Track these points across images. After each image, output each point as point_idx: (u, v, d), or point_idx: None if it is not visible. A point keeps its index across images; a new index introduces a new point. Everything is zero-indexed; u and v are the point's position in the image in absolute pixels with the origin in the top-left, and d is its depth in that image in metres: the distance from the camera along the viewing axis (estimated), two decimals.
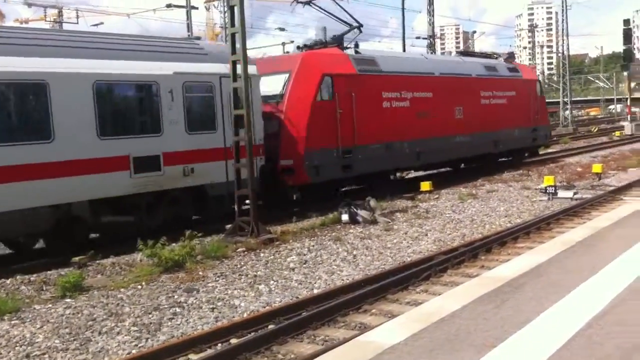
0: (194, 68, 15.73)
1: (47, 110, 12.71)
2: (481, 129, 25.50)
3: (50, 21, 61.08)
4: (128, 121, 14.64)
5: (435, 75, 23.84)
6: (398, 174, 23.94)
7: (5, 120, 12.44)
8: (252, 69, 16.19)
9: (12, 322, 9.22)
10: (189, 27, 45.28)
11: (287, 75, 18.49)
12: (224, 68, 15.67)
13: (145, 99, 15.01)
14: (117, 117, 14.41)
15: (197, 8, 49.68)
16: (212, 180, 15.86)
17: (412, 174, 26.01)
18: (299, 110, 18.24)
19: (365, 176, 20.57)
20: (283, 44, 60.29)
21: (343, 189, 20.65)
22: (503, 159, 28.75)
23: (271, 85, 18.13)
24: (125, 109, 14.70)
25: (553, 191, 19.32)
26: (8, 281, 11.47)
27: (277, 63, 19.41)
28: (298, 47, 21.35)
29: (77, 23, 54.03)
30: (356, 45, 21.14)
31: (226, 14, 20.57)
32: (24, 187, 12.32)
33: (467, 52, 32.93)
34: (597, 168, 23.79)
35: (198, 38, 19.55)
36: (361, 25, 21.68)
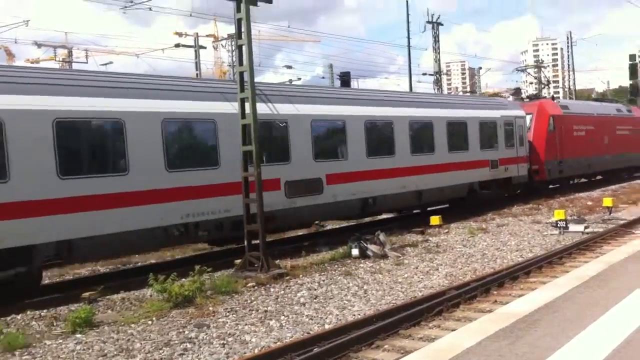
0: (504, 113, 27.78)
1: (433, 136, 23.28)
2: (616, 152, 37.52)
3: (60, 61, 61.74)
4: (488, 140, 26.25)
5: (594, 115, 36.36)
6: (574, 180, 35.78)
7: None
8: (522, 112, 29.24)
9: (23, 357, 9.20)
10: (197, 65, 45.82)
11: (531, 115, 30.51)
12: (516, 112, 28.61)
13: (493, 130, 26.74)
14: (482, 139, 25.92)
15: (205, 47, 50.40)
16: (513, 174, 27.76)
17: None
18: (539, 136, 30.55)
19: (564, 178, 32.74)
20: (290, 81, 60.88)
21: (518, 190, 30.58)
22: (623, 174, 40.47)
23: None
24: (486, 135, 26.15)
25: (564, 225, 19.22)
26: (19, 316, 11.46)
27: (524, 107, 30.37)
28: (522, 99, 35.77)
29: (87, 62, 54.64)
30: (552, 97, 35.52)
31: (234, 53, 20.90)
32: (459, 174, 24.14)
33: (600, 99, 49.20)
34: (607, 202, 23.68)
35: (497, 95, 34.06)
36: (550, 82, 36.09)
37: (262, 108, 16.08)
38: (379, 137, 20.82)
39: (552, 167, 30.69)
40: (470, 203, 25.22)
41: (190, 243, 17.76)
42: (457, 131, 24.42)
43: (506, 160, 27.10)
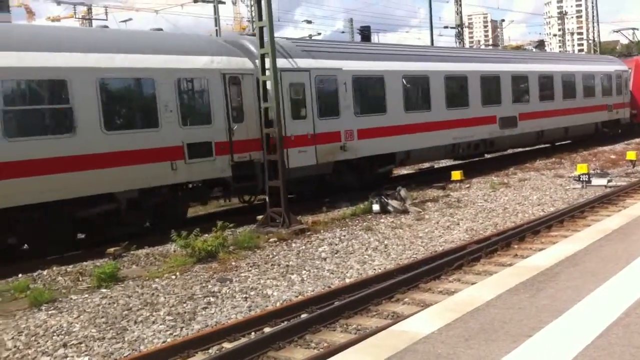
0: (616, 67, 35.36)
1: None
2: None
3: (80, 18, 61.36)
4: (607, 90, 33.72)
5: None
6: None
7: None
8: (626, 67, 36.41)
9: (50, 312, 9.40)
10: (217, 21, 45.38)
11: (631, 69, 36.83)
12: (623, 67, 36.10)
13: (609, 81, 34.21)
14: (603, 88, 33.53)
15: (224, 2, 49.73)
16: (621, 116, 34.97)
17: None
18: (637, 87, 36.70)
19: None
20: (310, 36, 60.11)
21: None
22: None
23: None
24: (605, 85, 33.72)
25: (587, 179, 19.05)
26: (45, 272, 11.67)
27: (625, 63, 37.37)
28: (618, 56, 42.85)
29: (107, 20, 54.26)
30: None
31: (253, 8, 20.79)
32: (590, 115, 32.02)
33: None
34: (631, 155, 23.41)
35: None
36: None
37: (486, 67, 25.07)
38: (545, 86, 28.68)
39: None
40: (595, 138, 32.67)
41: (454, 158, 26.19)
42: (589, 81, 32.29)
43: (617, 105, 34.58)
